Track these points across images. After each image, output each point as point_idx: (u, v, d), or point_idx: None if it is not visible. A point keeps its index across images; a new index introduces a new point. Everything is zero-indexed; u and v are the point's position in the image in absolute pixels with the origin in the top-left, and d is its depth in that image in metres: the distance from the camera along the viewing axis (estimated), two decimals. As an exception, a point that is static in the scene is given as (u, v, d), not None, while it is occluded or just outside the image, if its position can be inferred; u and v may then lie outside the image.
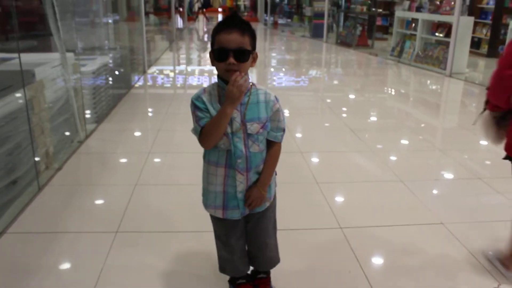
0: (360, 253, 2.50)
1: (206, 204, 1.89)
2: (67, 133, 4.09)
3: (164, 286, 2.21)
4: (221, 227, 1.95)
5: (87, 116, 4.58)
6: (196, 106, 1.73)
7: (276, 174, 1.93)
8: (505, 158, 2.22)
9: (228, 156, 1.76)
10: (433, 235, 2.74)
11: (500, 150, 2.24)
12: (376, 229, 2.81)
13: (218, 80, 1.75)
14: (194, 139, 1.74)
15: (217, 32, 1.68)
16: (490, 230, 2.82)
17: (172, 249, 2.53)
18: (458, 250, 2.57)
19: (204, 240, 2.48)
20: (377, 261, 2.49)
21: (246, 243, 2.02)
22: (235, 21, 1.68)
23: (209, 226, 2.02)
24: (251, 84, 1.76)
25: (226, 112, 1.65)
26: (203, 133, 1.71)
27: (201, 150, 1.84)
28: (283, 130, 1.84)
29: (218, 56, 1.67)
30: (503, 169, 3.86)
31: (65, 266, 2.38)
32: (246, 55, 1.67)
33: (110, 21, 6.33)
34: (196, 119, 1.73)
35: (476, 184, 3.54)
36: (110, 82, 5.51)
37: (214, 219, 1.94)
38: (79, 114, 4.25)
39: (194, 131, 1.75)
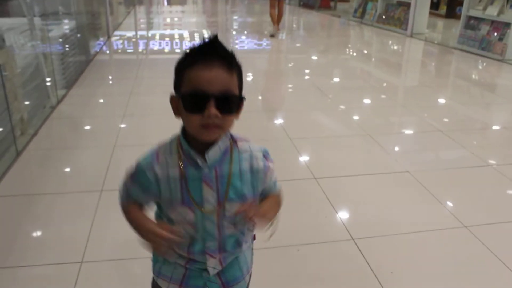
0: (335, 200, 2.70)
1: (158, 272, 1.22)
2: (39, 99, 4.08)
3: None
4: None
5: (57, 81, 4.56)
6: (137, 174, 1.11)
7: (254, 239, 1.29)
8: None
9: (191, 243, 1.14)
10: (400, 182, 2.98)
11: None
12: (349, 178, 3.02)
13: (181, 137, 1.09)
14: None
15: (189, 64, 1.01)
16: (450, 176, 3.09)
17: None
18: (421, 193, 2.81)
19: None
20: (351, 205, 2.70)
21: None
22: (218, 49, 1.02)
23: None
24: (229, 141, 1.12)
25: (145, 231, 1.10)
26: (124, 210, 1.18)
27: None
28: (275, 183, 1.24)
29: (191, 104, 1.01)
30: (461, 123, 4.15)
31: (56, 224, 2.46)
32: (234, 104, 1.04)
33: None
34: (126, 182, 1.15)
35: (437, 136, 3.79)
36: (77, 47, 5.44)
37: None
38: (49, 80, 4.23)
39: (119, 190, 1.18)
